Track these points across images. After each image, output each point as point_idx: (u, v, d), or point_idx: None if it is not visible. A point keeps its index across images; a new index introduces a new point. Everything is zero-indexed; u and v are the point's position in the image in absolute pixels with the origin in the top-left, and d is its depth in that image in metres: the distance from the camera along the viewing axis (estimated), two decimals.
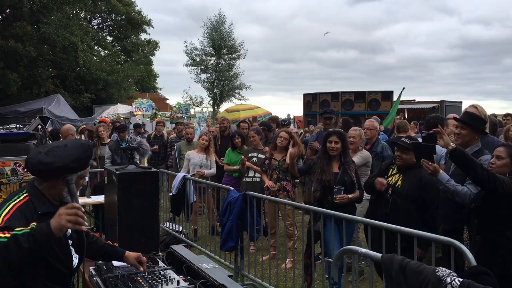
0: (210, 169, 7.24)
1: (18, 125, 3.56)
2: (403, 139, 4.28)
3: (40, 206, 2.16)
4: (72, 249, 2.32)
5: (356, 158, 5.30)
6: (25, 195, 2.20)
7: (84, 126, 11.73)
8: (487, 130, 4.04)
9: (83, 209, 2.01)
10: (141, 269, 2.71)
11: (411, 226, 3.31)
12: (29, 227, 1.91)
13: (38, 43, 19.40)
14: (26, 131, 3.55)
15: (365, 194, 4.89)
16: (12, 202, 2.14)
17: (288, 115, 19.36)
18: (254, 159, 6.67)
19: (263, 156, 6.61)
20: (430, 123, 5.31)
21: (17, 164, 3.24)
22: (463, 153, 3.32)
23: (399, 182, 4.16)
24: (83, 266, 3.10)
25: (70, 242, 2.31)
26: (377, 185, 4.24)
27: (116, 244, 2.80)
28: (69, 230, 2.23)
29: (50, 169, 2.17)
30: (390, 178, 4.26)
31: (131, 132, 11.32)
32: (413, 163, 4.05)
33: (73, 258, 2.32)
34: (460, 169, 3.45)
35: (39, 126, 3.83)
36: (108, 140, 8.57)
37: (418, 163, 3.63)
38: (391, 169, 4.34)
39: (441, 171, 3.53)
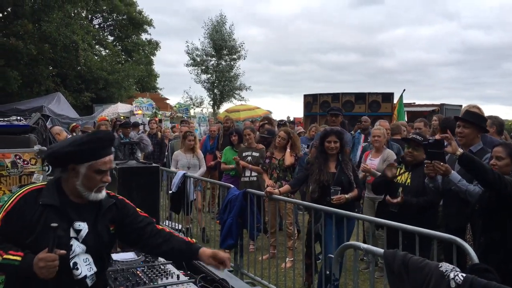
0: (199, 168, 7.17)
1: (18, 117, 3.55)
2: (414, 135, 4.28)
3: (45, 196, 2.09)
4: (86, 259, 2.14)
5: (385, 164, 5.26)
6: (43, 183, 2.19)
7: (75, 124, 11.62)
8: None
9: (57, 259, 1.94)
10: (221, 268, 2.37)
11: (422, 224, 3.28)
12: (19, 259, 1.96)
13: (39, 42, 19.35)
14: (27, 123, 3.53)
15: (366, 193, 4.87)
16: (25, 188, 2.14)
17: (288, 117, 19.33)
18: (249, 157, 6.67)
19: (257, 154, 6.63)
20: (446, 127, 5.25)
21: (17, 156, 3.22)
22: (472, 158, 3.28)
23: (409, 180, 4.16)
24: None
25: (81, 249, 2.12)
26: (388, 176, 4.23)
27: (192, 241, 2.42)
28: (84, 230, 2.13)
29: (50, 155, 2.18)
30: (399, 177, 4.25)
31: (131, 130, 11.31)
32: (422, 159, 4.05)
33: (81, 268, 2.12)
34: (470, 174, 3.41)
35: (40, 120, 3.80)
36: None
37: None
38: (399, 168, 4.34)
39: (452, 171, 3.51)
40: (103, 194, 2.21)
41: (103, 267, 2.28)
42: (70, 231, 2.10)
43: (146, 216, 2.41)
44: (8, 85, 18.22)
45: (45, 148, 3.51)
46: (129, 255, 3.10)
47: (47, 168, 3.62)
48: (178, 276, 2.77)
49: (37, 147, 3.44)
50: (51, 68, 21.88)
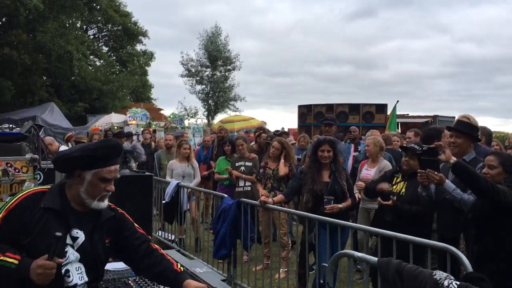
0: (194, 177, 7.11)
1: (10, 125, 3.52)
2: (413, 144, 4.28)
3: (46, 199, 2.10)
4: (78, 268, 2.12)
5: (380, 174, 5.25)
6: (47, 187, 2.19)
7: (71, 134, 11.55)
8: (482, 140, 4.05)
9: (55, 267, 1.96)
10: None
11: (415, 234, 3.26)
12: (16, 262, 1.96)
13: (33, 52, 19.38)
14: (18, 131, 3.50)
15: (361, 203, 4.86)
16: (28, 189, 2.15)
17: (282, 128, 19.41)
18: (242, 168, 6.69)
19: (250, 164, 6.65)
20: (427, 135, 5.29)
21: (9, 165, 3.19)
22: (465, 167, 3.29)
23: (403, 190, 4.15)
24: None
25: (74, 257, 2.10)
26: (379, 191, 4.20)
27: (179, 269, 2.33)
28: (81, 238, 2.11)
29: (59, 158, 2.20)
30: (394, 187, 4.24)
31: (125, 141, 11.24)
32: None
33: (72, 276, 2.08)
34: (463, 183, 3.41)
35: (32, 128, 3.77)
36: None
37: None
38: (396, 177, 4.34)
39: (446, 180, 3.49)
40: (105, 203, 2.20)
41: (95, 278, 2.24)
42: (66, 238, 2.09)
43: (143, 234, 2.39)
44: (1, 95, 18.18)
45: (37, 156, 3.48)
46: (121, 265, 3.06)
47: (38, 176, 3.59)
48: None
49: (29, 155, 3.41)
50: (45, 78, 21.88)
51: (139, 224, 3.78)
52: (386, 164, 5.51)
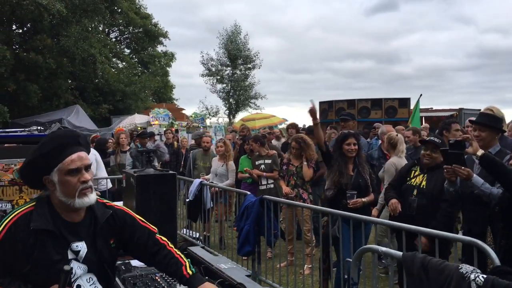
0: (228, 178, 7.11)
1: (39, 128, 3.62)
2: (432, 137, 4.22)
3: (35, 220, 1.92)
4: (89, 279, 2.03)
5: (385, 174, 5.27)
6: (31, 204, 2.01)
7: (96, 135, 11.72)
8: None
9: None
10: None
11: (438, 227, 3.22)
12: None
13: (58, 56, 19.80)
14: (47, 133, 3.60)
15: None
16: (14, 213, 1.98)
17: (304, 125, 19.37)
18: (262, 166, 6.72)
19: (269, 161, 6.68)
20: (439, 128, 5.44)
21: None
22: (493, 159, 3.23)
23: (424, 183, 4.07)
24: None
25: (82, 270, 2.00)
26: (391, 208, 4.18)
27: (187, 274, 2.19)
28: (83, 250, 1.99)
29: (21, 174, 2.11)
30: (413, 180, 4.18)
31: (148, 141, 11.40)
32: (440, 162, 3.90)
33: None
34: (491, 175, 3.35)
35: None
36: (128, 148, 8.60)
37: (443, 163, 3.53)
38: (413, 171, 4.27)
39: (474, 175, 3.42)
40: (90, 198, 2.00)
41: (109, 283, 2.15)
42: (68, 254, 1.97)
43: (148, 227, 2.28)
44: (29, 99, 18.65)
45: None
46: None
47: None
48: None
49: None
50: (70, 81, 22.36)
51: (164, 222, 3.85)
52: (388, 165, 5.43)
